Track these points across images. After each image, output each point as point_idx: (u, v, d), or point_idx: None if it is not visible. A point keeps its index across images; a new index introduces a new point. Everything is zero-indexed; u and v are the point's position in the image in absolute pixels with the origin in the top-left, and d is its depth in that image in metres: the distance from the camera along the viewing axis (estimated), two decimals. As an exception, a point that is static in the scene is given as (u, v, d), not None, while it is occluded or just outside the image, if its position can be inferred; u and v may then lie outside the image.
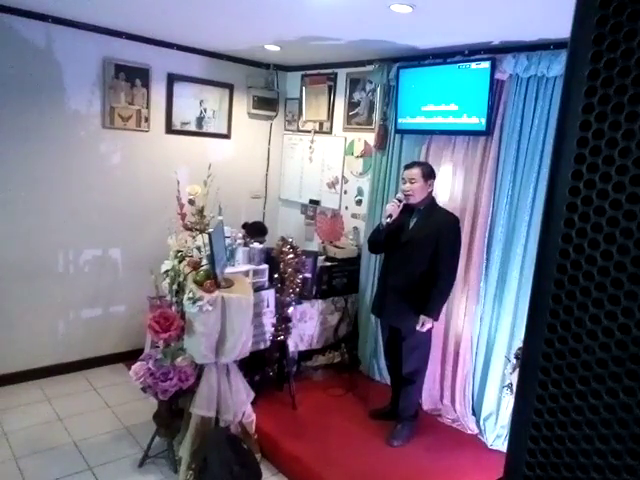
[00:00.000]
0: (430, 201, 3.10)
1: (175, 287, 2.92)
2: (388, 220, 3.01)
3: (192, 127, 4.29)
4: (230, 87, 4.45)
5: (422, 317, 3.01)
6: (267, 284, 3.37)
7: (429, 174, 3.05)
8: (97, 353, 4.03)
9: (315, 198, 4.61)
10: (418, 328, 3.01)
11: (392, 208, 3.02)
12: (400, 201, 3.04)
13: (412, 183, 3.01)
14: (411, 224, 3.09)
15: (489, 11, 2.49)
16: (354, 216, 4.29)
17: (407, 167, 3.10)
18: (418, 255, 3.02)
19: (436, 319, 3.06)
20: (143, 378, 2.65)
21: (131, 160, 3.99)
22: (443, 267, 2.99)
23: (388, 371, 3.52)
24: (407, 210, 3.09)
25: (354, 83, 4.20)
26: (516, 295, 3.14)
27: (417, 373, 3.19)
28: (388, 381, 3.63)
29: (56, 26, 3.46)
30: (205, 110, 4.34)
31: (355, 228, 4.27)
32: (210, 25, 3.35)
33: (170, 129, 4.15)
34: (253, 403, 2.98)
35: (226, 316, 2.66)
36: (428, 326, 3.04)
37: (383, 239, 3.11)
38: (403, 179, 3.09)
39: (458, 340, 3.47)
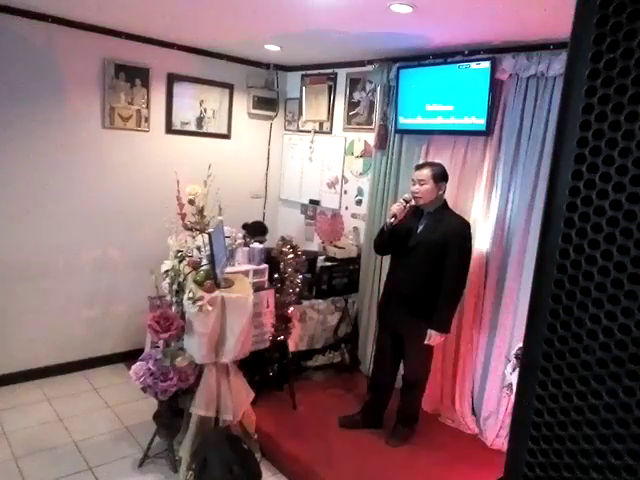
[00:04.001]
0: (440, 204, 2.97)
1: (175, 287, 2.91)
2: (392, 220, 2.92)
3: (192, 127, 4.29)
4: (230, 87, 4.45)
5: (430, 331, 2.89)
6: (267, 284, 3.37)
7: (440, 176, 2.92)
8: (97, 353, 4.03)
9: (315, 198, 4.61)
10: (426, 342, 2.91)
11: (397, 208, 2.93)
12: (407, 202, 2.94)
13: (421, 185, 2.89)
14: (419, 228, 2.98)
15: (489, 11, 2.49)
16: (354, 216, 4.29)
17: (417, 168, 3.00)
18: (425, 261, 2.92)
19: (446, 332, 2.94)
20: (143, 378, 2.65)
21: (131, 160, 3.99)
22: (450, 276, 2.87)
23: (372, 375, 3.40)
24: (417, 213, 3.01)
25: (354, 83, 4.20)
26: (516, 295, 3.13)
27: (419, 380, 3.14)
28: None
29: (56, 26, 3.45)
30: (205, 110, 4.34)
31: (355, 228, 4.27)
32: (210, 24, 3.35)
33: (170, 129, 4.15)
34: (253, 403, 2.97)
35: (226, 316, 2.66)
36: (438, 340, 2.93)
37: (386, 240, 3.03)
38: (413, 180, 2.98)
39: (458, 340, 3.47)
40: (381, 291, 3.26)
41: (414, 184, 2.95)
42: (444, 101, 3.39)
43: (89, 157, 3.78)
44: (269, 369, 3.55)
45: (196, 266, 2.82)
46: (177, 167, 3.54)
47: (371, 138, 4.00)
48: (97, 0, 2.96)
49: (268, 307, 3.28)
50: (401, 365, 3.25)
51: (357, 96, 4.19)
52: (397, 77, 3.65)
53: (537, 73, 2.94)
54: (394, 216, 2.93)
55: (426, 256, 2.92)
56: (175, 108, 4.15)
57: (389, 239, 3.02)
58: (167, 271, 2.95)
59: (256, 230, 3.87)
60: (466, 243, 2.92)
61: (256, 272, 3.30)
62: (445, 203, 3.03)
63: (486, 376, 3.33)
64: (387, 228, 2.98)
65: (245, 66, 4.50)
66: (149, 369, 2.66)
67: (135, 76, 3.87)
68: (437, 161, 3.29)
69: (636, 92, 0.62)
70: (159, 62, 3.99)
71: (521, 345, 0.85)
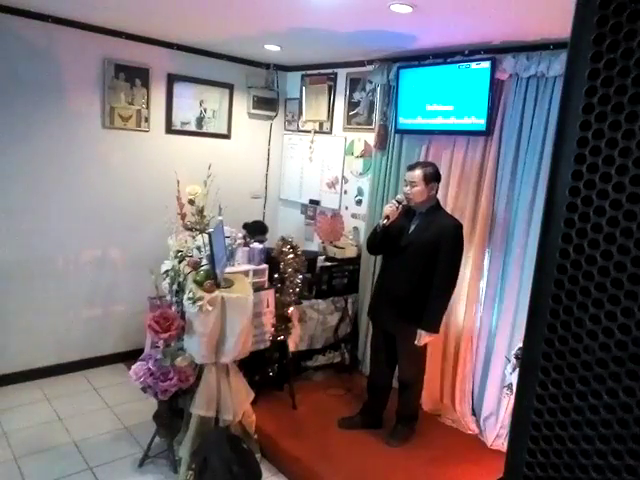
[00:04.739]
0: (433, 204, 2.97)
1: (175, 287, 2.91)
2: (385, 222, 2.92)
3: (192, 127, 4.29)
4: (230, 87, 4.45)
5: (419, 332, 2.91)
6: (267, 284, 3.37)
7: (431, 177, 2.91)
8: (97, 353, 4.03)
9: (315, 198, 4.61)
10: (416, 342, 2.92)
11: (390, 210, 2.92)
12: (399, 203, 2.94)
13: (412, 186, 2.90)
14: (411, 228, 2.99)
15: (489, 11, 2.49)
16: (354, 216, 4.29)
17: (409, 168, 2.99)
18: (417, 261, 2.92)
19: (435, 332, 2.94)
20: (143, 378, 2.65)
21: (131, 160, 3.99)
22: (440, 276, 2.87)
23: (369, 375, 3.39)
24: (409, 213, 3.01)
25: (354, 83, 4.20)
26: (516, 295, 3.13)
27: (414, 380, 3.14)
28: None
29: (56, 26, 3.45)
30: (205, 110, 4.34)
31: (355, 228, 4.27)
32: (209, 23, 3.35)
33: (170, 129, 4.15)
34: (253, 403, 2.97)
35: (226, 316, 2.66)
36: (427, 340, 2.94)
37: (379, 241, 3.02)
38: (404, 181, 3.00)
39: (458, 340, 3.47)
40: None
41: (406, 185, 2.96)
42: (444, 101, 3.39)
43: (89, 157, 3.78)
44: (269, 369, 3.55)
45: (196, 266, 2.82)
46: (177, 167, 3.55)
47: (371, 138, 4.00)
48: (97, 0, 2.96)
49: (268, 307, 3.28)
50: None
51: (357, 96, 4.19)
52: (397, 77, 3.64)
53: (537, 73, 2.94)
54: (386, 217, 2.93)
55: (417, 256, 2.92)
56: (175, 108, 4.15)
57: (382, 239, 3.02)
58: (167, 271, 2.95)
59: (256, 230, 3.87)
60: (457, 244, 2.91)
61: (256, 272, 3.30)
62: (438, 203, 3.03)
63: (486, 376, 3.33)
64: (380, 229, 2.98)
65: (245, 66, 4.50)
66: (149, 369, 2.66)
67: (135, 76, 3.87)
68: (430, 160, 3.32)
69: (636, 92, 0.62)
70: (159, 62, 3.99)
71: (521, 345, 0.85)
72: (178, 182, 2.98)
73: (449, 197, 3.48)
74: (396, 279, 3.02)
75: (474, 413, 3.42)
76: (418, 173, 2.90)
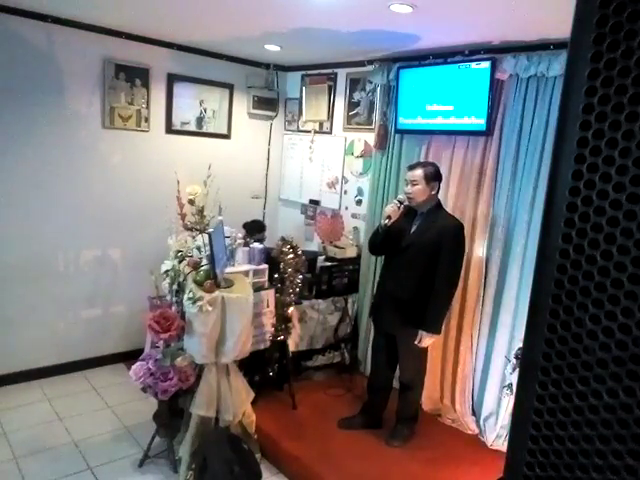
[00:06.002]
0: (434, 204, 2.97)
1: (175, 287, 2.91)
2: (387, 222, 2.91)
3: (192, 127, 4.29)
4: (230, 87, 4.45)
5: (421, 332, 2.90)
6: (267, 284, 3.36)
7: (432, 176, 2.91)
8: (97, 353, 4.03)
9: (315, 198, 4.61)
10: (417, 343, 2.92)
11: (391, 210, 2.92)
12: (401, 203, 2.94)
13: (413, 185, 2.89)
14: (413, 228, 2.98)
15: (489, 11, 2.49)
16: (354, 216, 4.29)
17: (410, 168, 2.99)
18: (418, 261, 2.91)
19: (437, 333, 2.93)
20: (143, 378, 2.65)
21: (131, 160, 3.99)
22: (441, 277, 2.86)
23: (369, 376, 3.40)
24: (410, 213, 3.01)
25: (354, 83, 4.20)
26: (516, 295, 3.13)
27: (414, 381, 3.14)
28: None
29: (56, 26, 3.45)
30: (205, 110, 4.34)
31: (355, 228, 4.27)
32: (210, 23, 3.35)
33: (170, 129, 4.15)
34: (253, 403, 2.97)
35: (226, 316, 2.66)
36: (428, 341, 2.93)
37: (380, 242, 3.02)
38: (405, 180, 2.99)
39: (458, 340, 3.47)
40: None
41: (407, 184, 2.96)
42: (444, 101, 3.39)
43: (89, 157, 3.78)
44: (269, 369, 3.55)
45: (196, 266, 2.82)
46: (177, 167, 3.55)
47: (371, 138, 4.00)
48: (97, 0, 2.96)
49: (268, 307, 3.27)
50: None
51: (357, 96, 4.19)
52: (397, 77, 3.64)
53: (537, 73, 2.94)
54: (388, 217, 2.92)
55: (419, 257, 2.92)
56: (175, 108, 4.15)
57: (383, 240, 3.01)
58: (167, 271, 2.95)
59: (254, 229, 3.87)
60: (459, 244, 2.91)
61: (256, 272, 3.30)
62: (439, 203, 3.03)
63: (486, 376, 3.33)
64: (381, 230, 2.97)
65: (245, 66, 4.49)
66: (149, 369, 2.66)
67: (135, 76, 3.87)
68: (430, 160, 3.33)
69: (636, 92, 0.62)
70: (159, 62, 3.99)
71: (521, 345, 0.85)
72: (178, 182, 2.98)
73: (449, 197, 3.48)
74: (398, 280, 3.02)
75: (474, 413, 3.42)
76: (419, 172, 2.91)
